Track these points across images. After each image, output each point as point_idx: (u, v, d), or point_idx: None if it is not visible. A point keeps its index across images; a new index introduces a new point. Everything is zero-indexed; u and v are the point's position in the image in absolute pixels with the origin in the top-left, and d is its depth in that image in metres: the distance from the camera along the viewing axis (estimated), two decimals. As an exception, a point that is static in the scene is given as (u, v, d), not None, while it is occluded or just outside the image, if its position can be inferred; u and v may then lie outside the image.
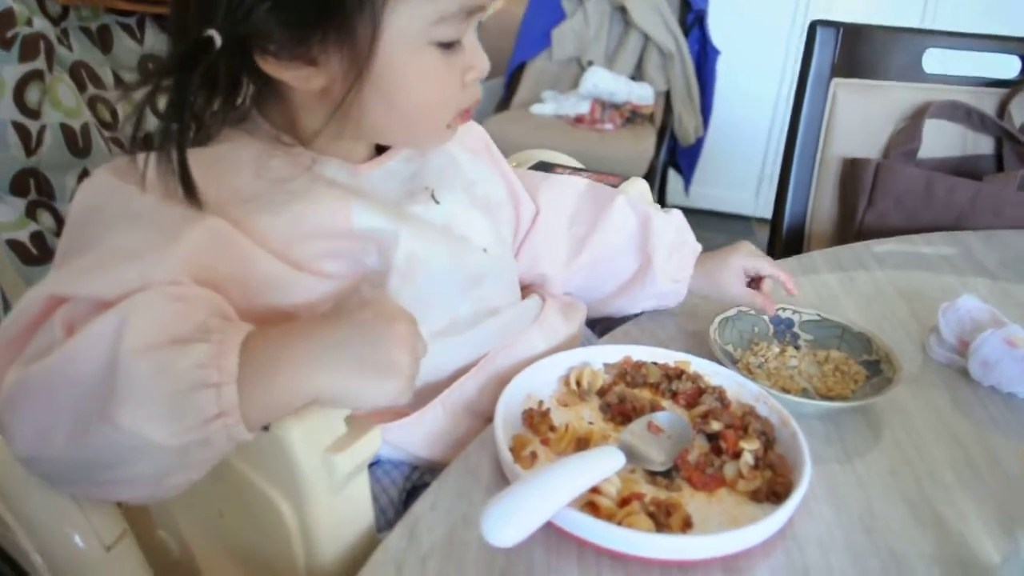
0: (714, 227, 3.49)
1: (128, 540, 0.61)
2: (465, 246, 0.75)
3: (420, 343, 0.58)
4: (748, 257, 0.89)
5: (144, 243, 0.56)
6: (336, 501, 0.59)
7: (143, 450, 0.49)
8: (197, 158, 0.63)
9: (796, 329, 0.88)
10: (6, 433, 0.52)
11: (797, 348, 0.86)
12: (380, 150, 0.74)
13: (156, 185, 0.59)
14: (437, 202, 0.74)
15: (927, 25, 3.15)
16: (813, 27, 1.40)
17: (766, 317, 0.88)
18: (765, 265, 0.88)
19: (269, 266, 0.61)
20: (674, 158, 3.16)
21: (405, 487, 0.72)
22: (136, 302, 0.50)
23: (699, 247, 0.90)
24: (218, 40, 0.58)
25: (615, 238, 0.88)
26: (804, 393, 0.78)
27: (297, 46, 0.61)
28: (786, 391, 0.75)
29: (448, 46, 0.65)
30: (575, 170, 1.04)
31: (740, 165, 3.49)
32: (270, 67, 0.62)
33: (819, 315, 0.88)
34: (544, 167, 1.03)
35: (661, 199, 3.12)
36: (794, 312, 0.88)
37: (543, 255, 0.88)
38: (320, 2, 0.60)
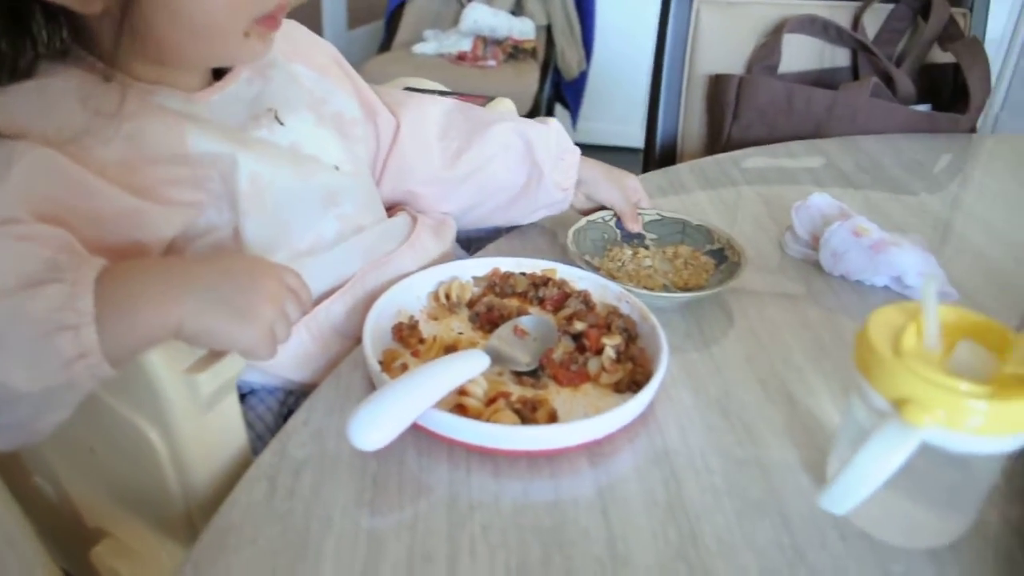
0: (604, 161, 3.52)
1: (-1, 494, 0.60)
2: (315, 165, 0.75)
3: (292, 305, 0.58)
4: (637, 185, 0.94)
5: None
6: (205, 422, 0.59)
7: (5, 399, 0.47)
8: (14, 94, 0.60)
9: (642, 230, 0.92)
10: None
11: (646, 248, 0.90)
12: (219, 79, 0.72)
13: None
14: (281, 123, 0.73)
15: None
16: (674, -52, 1.42)
17: (613, 222, 0.92)
18: (644, 199, 0.94)
19: (111, 195, 0.60)
20: (560, 93, 3.17)
21: (281, 412, 0.72)
22: None
23: (578, 151, 0.93)
24: None
25: (495, 151, 0.89)
26: (665, 289, 0.82)
27: None
28: (648, 289, 0.79)
29: None
30: (441, 94, 1.04)
31: (625, 98, 3.52)
32: None
33: (659, 214, 0.93)
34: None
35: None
36: (637, 214, 0.92)
37: (414, 168, 0.88)
38: None
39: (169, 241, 0.63)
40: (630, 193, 0.93)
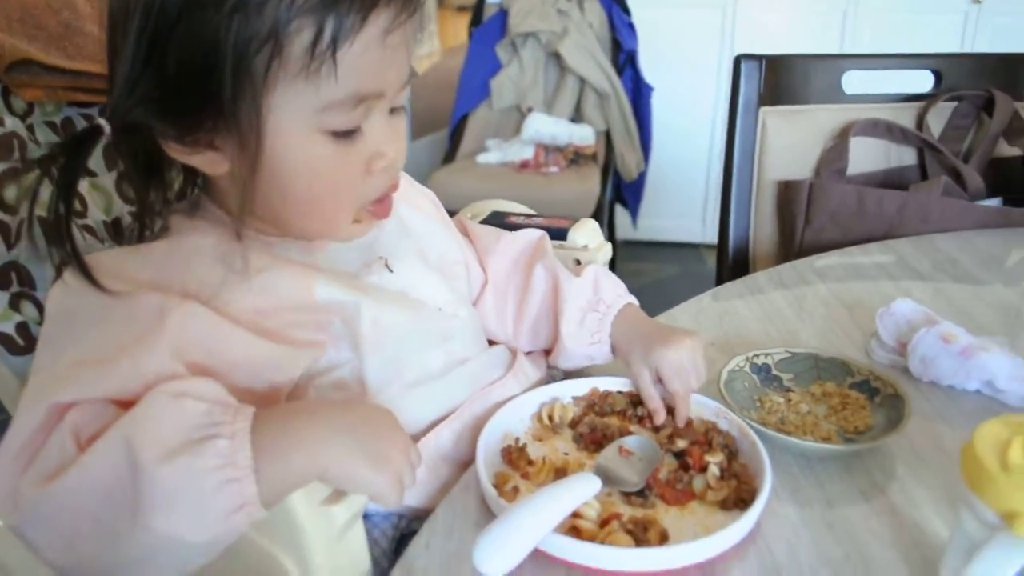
0: (665, 257, 3.59)
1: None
2: (424, 309, 0.79)
3: (416, 456, 0.62)
4: (671, 363, 0.78)
5: (128, 336, 0.60)
6: (336, 550, 0.63)
7: (175, 547, 0.53)
8: (159, 250, 0.68)
9: (775, 371, 0.88)
10: (34, 547, 0.54)
11: (790, 390, 0.86)
12: None
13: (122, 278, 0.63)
14: (391, 271, 0.78)
15: (847, 45, 3.31)
16: (738, 61, 1.47)
17: (747, 368, 0.87)
18: (675, 382, 0.78)
19: (249, 343, 0.65)
20: (620, 194, 3.25)
21: (395, 536, 0.75)
22: (140, 412, 0.54)
23: (620, 303, 0.86)
24: (107, 129, 0.62)
25: (538, 303, 0.89)
26: (842, 436, 0.79)
27: (191, 133, 0.63)
28: (826, 440, 0.77)
29: (344, 135, 0.64)
30: (528, 216, 1.09)
31: (684, 194, 3.61)
32: (175, 152, 0.65)
33: (787, 351, 0.89)
34: (497, 216, 1.08)
35: (611, 234, 3.21)
36: (766, 355, 0.89)
37: (490, 324, 0.91)
38: (198, 91, 0.60)
39: (296, 380, 0.69)
40: (668, 369, 0.78)
